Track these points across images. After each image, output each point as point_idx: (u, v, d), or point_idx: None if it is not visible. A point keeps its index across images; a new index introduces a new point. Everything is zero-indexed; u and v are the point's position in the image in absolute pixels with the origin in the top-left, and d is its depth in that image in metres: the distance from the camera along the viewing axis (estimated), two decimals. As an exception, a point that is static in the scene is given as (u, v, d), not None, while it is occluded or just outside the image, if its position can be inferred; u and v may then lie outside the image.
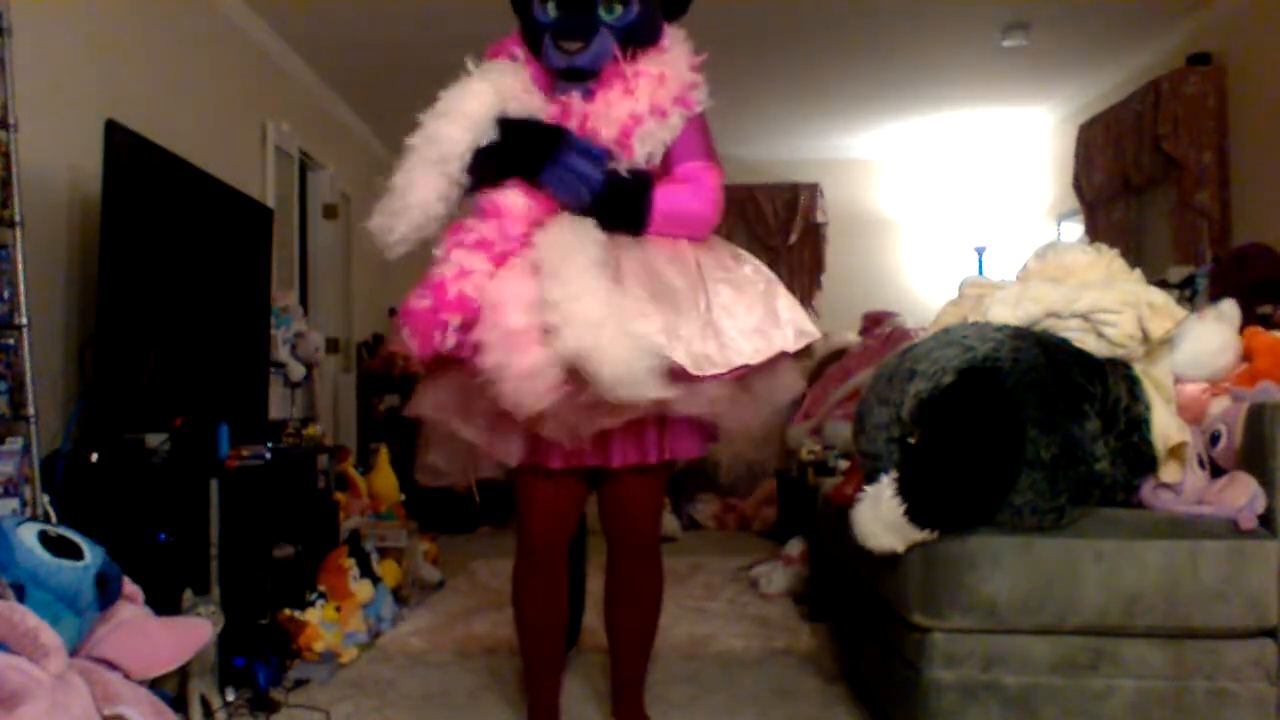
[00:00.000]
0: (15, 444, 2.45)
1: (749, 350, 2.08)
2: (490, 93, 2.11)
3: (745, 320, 2.10)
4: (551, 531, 2.26)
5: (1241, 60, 4.56)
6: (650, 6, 2.17)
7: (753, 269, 2.23)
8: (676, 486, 5.96)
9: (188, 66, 4.09)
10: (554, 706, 2.39)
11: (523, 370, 1.91)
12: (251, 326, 3.80)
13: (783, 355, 2.15)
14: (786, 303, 2.19)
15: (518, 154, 2.08)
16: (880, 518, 2.09)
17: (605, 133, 2.09)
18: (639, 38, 2.16)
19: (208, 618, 2.46)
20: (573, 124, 2.11)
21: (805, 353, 2.25)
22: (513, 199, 2.07)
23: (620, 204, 2.10)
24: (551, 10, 2.14)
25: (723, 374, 2.05)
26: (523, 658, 2.41)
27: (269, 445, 3.31)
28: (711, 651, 3.26)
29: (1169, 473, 2.20)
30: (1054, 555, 2.07)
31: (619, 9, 2.12)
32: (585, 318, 1.90)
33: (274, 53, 5.04)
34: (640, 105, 2.10)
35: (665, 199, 2.14)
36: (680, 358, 1.99)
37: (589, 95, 2.13)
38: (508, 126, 2.09)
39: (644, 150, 2.11)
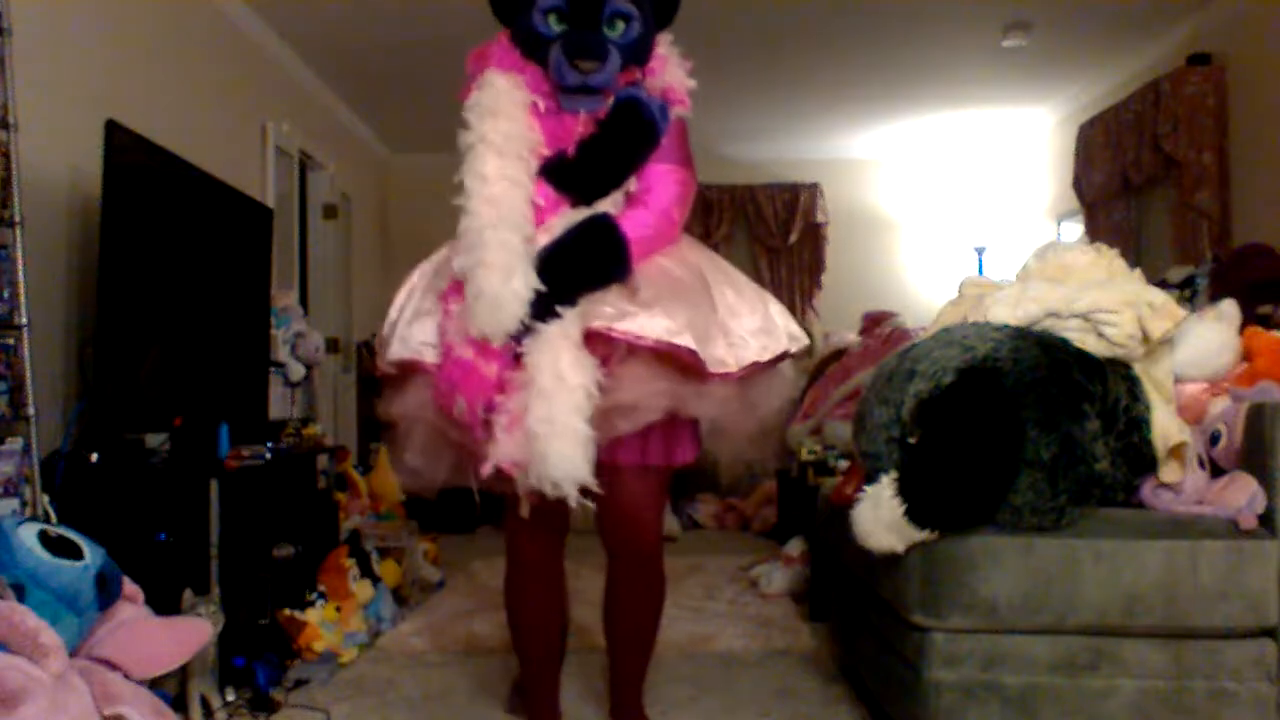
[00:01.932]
0: (15, 444, 2.45)
1: (756, 348, 2.13)
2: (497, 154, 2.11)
3: (749, 321, 2.15)
4: (543, 536, 2.26)
5: (1241, 60, 4.56)
6: (649, 22, 2.19)
7: (745, 280, 2.30)
8: (677, 486, 5.95)
9: (188, 66, 4.09)
10: (554, 706, 2.39)
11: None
12: (251, 326, 3.80)
13: (781, 357, 2.20)
14: (778, 309, 2.27)
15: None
16: (880, 518, 2.09)
17: None
18: (640, 54, 2.19)
19: (208, 618, 2.46)
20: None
21: (805, 352, 2.27)
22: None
23: (605, 269, 2.09)
24: (554, 23, 2.13)
25: (733, 373, 2.09)
26: (520, 660, 2.41)
27: (269, 445, 3.31)
28: (711, 651, 3.26)
29: (1169, 473, 2.20)
30: (1054, 555, 2.07)
31: (621, 26, 2.14)
32: (560, 452, 1.96)
33: (274, 53, 5.04)
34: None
35: (633, 229, 2.13)
36: (703, 354, 2.04)
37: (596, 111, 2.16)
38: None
39: None
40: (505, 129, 2.10)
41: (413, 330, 2.14)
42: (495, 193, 2.06)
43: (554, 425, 1.95)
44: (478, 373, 2.02)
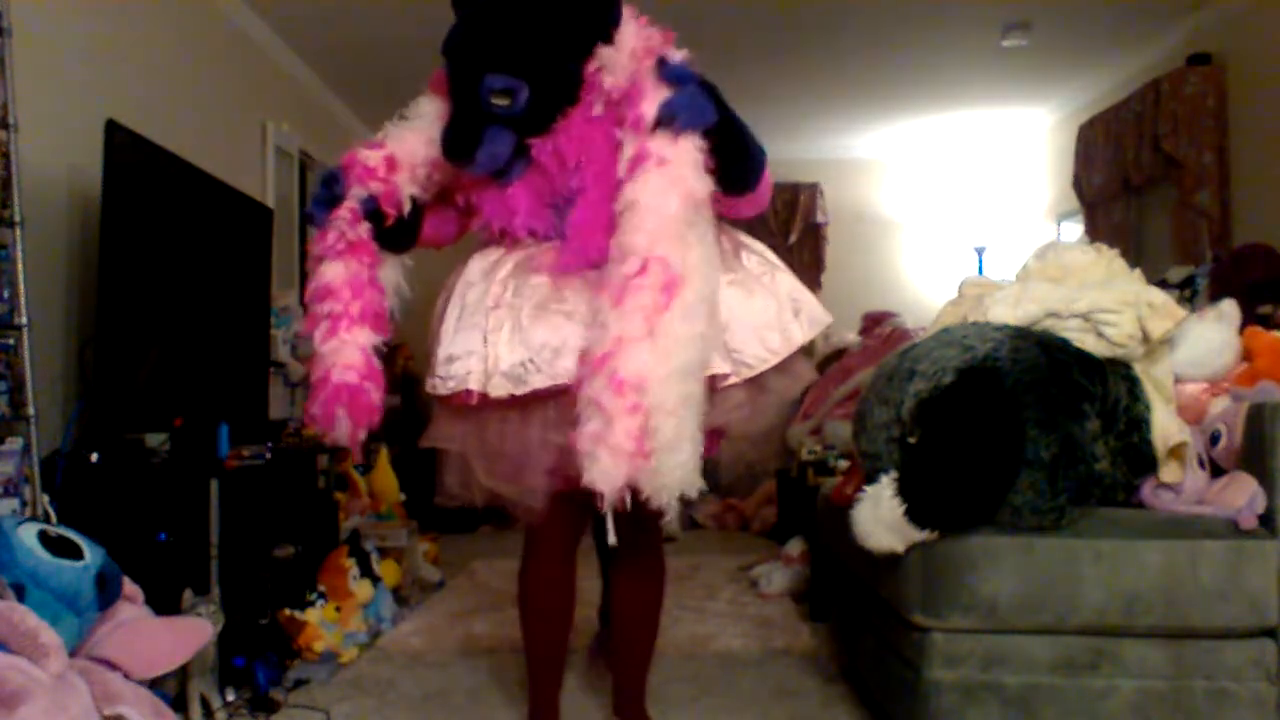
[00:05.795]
0: (15, 444, 2.45)
1: (764, 353, 2.07)
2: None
3: (761, 317, 2.08)
4: (564, 532, 2.25)
5: (1241, 60, 4.56)
6: (550, 81, 2.00)
7: (757, 260, 2.19)
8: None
9: (188, 66, 4.09)
10: (554, 705, 2.39)
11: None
12: (251, 326, 3.80)
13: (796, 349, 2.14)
14: (793, 290, 2.17)
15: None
16: (880, 518, 2.09)
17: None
18: (539, 121, 2.01)
19: (208, 618, 2.46)
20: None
21: (807, 351, 2.23)
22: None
23: (751, 155, 2.08)
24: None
25: (739, 382, 2.04)
26: (526, 655, 2.41)
27: (269, 445, 3.31)
28: (711, 651, 3.26)
29: (1169, 473, 2.20)
30: (1054, 555, 2.07)
31: (510, 98, 1.97)
32: (675, 468, 1.84)
33: (274, 53, 5.04)
34: (645, 106, 2.01)
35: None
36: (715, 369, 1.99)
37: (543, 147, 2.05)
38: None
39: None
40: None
41: (455, 358, 2.05)
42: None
43: (680, 441, 1.84)
44: (363, 394, 2.03)
